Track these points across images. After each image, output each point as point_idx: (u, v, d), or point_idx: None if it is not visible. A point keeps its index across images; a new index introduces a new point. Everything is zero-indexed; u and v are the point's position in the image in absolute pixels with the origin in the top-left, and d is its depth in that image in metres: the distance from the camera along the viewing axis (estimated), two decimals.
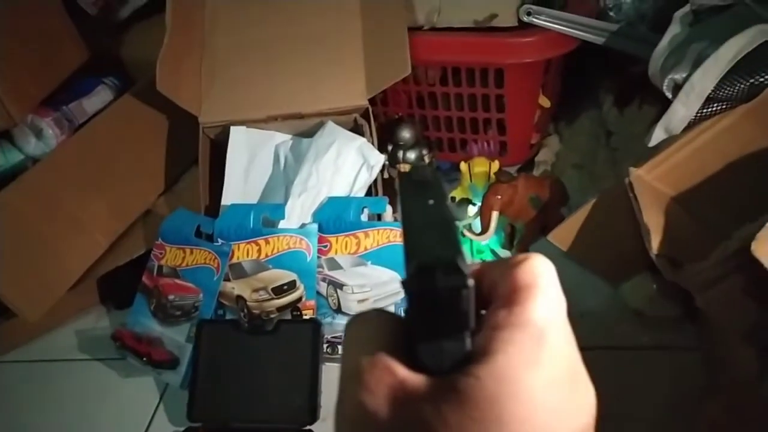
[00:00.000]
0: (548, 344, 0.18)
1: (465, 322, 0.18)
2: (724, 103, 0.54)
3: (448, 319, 0.18)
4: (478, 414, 0.17)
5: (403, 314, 0.20)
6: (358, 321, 0.21)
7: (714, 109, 0.55)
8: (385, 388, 0.18)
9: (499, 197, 0.75)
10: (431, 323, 0.18)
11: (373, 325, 0.21)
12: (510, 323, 0.18)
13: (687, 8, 0.62)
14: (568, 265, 0.72)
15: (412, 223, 0.20)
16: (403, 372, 0.18)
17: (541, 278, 0.19)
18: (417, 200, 0.21)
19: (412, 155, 0.85)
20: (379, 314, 0.21)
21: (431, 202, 0.21)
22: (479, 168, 0.85)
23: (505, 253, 0.80)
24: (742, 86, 0.51)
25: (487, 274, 0.21)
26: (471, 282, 0.18)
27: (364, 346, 0.20)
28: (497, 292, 0.20)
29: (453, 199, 0.88)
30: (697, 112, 0.55)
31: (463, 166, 0.86)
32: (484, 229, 0.77)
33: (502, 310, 0.19)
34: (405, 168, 0.85)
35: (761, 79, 0.50)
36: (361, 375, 0.19)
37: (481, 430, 0.17)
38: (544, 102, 0.86)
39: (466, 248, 0.82)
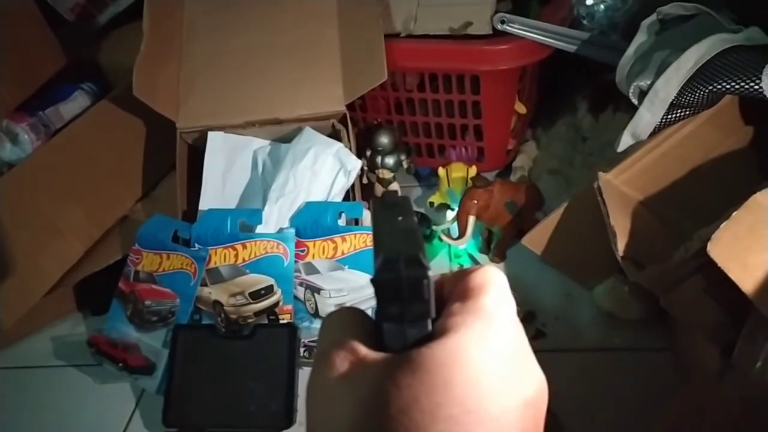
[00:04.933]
0: (496, 326, 0.20)
1: (426, 309, 0.20)
2: (688, 109, 0.56)
3: (411, 306, 0.20)
4: (427, 378, 0.19)
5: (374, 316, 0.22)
6: (331, 315, 0.24)
7: (678, 115, 0.57)
8: (347, 364, 0.20)
9: (476, 202, 0.76)
10: (396, 311, 0.20)
11: (342, 318, 0.23)
12: (463, 311, 0.21)
13: (654, 17, 0.64)
14: (542, 268, 0.73)
15: (381, 233, 0.22)
16: (364, 350, 0.21)
17: (493, 280, 0.22)
18: (387, 217, 0.23)
19: (390, 161, 0.86)
20: (348, 309, 0.24)
21: (400, 218, 0.23)
22: (457, 173, 0.86)
23: (482, 258, 0.81)
24: (703, 93, 0.53)
25: (446, 283, 0.23)
26: (431, 273, 0.20)
27: (333, 334, 0.22)
28: (454, 293, 0.22)
29: (431, 204, 0.89)
30: (662, 118, 0.57)
31: (441, 171, 0.87)
32: (461, 234, 0.77)
33: (457, 303, 0.21)
34: (384, 173, 0.86)
35: (718, 87, 0.51)
36: (328, 355, 0.21)
37: (429, 391, 0.18)
38: (521, 108, 0.87)
39: (444, 252, 0.83)
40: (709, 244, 0.40)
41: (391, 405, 0.18)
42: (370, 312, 0.69)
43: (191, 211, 0.80)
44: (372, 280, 0.20)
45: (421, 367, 0.19)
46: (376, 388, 0.19)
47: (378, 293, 0.20)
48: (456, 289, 0.22)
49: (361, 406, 0.19)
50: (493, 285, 0.22)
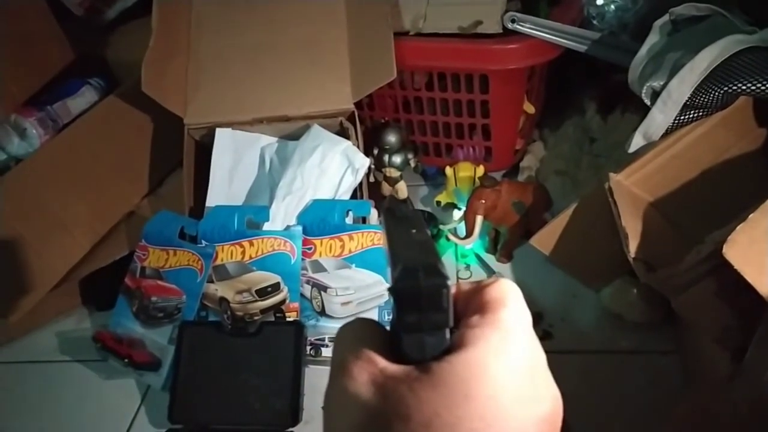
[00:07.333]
0: (513, 340, 0.21)
1: (445, 318, 0.20)
2: (701, 110, 0.55)
3: (430, 315, 0.20)
4: (447, 391, 0.19)
5: (388, 322, 0.22)
6: (347, 326, 0.24)
7: (691, 116, 0.56)
8: (366, 375, 0.20)
9: (483, 202, 0.76)
10: (415, 319, 0.20)
11: (357, 329, 0.23)
12: (482, 323, 0.21)
13: (666, 18, 0.63)
14: (549, 269, 0.73)
15: (397, 244, 0.23)
16: (383, 362, 0.21)
17: (509, 294, 0.22)
18: (400, 229, 0.24)
19: (397, 159, 0.86)
20: (362, 320, 0.24)
21: (414, 231, 0.24)
22: (464, 173, 0.86)
23: (489, 258, 0.81)
24: (717, 94, 0.52)
25: (461, 296, 0.23)
26: (450, 282, 0.20)
27: (350, 344, 0.22)
28: (471, 306, 0.22)
29: (438, 203, 0.89)
30: (675, 119, 0.56)
31: (448, 170, 0.86)
32: (468, 233, 0.77)
33: (476, 316, 0.21)
34: (391, 172, 0.86)
35: (734, 88, 0.51)
36: (346, 366, 0.21)
37: (450, 405, 0.19)
38: (529, 108, 0.87)
39: (450, 252, 0.83)
40: (724, 246, 0.40)
41: (413, 418, 0.19)
42: (376, 312, 0.69)
43: (198, 208, 0.79)
44: (390, 289, 0.20)
45: (442, 381, 0.19)
46: (397, 401, 0.19)
47: (397, 302, 0.20)
48: (473, 302, 0.22)
49: (381, 417, 0.19)
50: (511, 299, 0.22)
